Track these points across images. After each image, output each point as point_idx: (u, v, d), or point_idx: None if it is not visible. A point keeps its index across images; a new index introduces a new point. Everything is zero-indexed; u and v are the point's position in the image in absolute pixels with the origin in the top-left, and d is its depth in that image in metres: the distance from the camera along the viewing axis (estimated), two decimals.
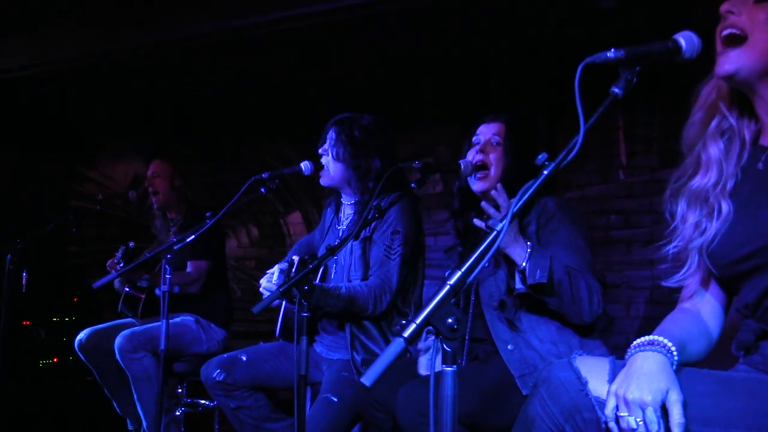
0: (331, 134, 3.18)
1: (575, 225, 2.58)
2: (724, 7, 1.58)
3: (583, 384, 1.50)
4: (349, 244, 3.10)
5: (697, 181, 1.67)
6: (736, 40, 1.57)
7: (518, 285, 2.46)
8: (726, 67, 1.58)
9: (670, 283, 1.75)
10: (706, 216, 1.64)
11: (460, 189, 2.89)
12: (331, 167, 3.17)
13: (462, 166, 2.75)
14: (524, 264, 2.39)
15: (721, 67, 1.59)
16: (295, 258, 3.22)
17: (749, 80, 1.59)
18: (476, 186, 2.76)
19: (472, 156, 2.77)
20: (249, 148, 6.39)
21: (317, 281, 3.17)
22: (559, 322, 2.55)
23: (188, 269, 4.02)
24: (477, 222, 2.47)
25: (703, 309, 1.74)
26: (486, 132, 2.81)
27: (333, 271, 3.22)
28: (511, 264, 2.49)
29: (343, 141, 3.13)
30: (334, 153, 3.15)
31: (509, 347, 2.51)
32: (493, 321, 2.59)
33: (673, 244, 1.71)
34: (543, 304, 2.51)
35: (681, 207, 1.70)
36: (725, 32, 1.58)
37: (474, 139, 2.83)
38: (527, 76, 4.91)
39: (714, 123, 1.68)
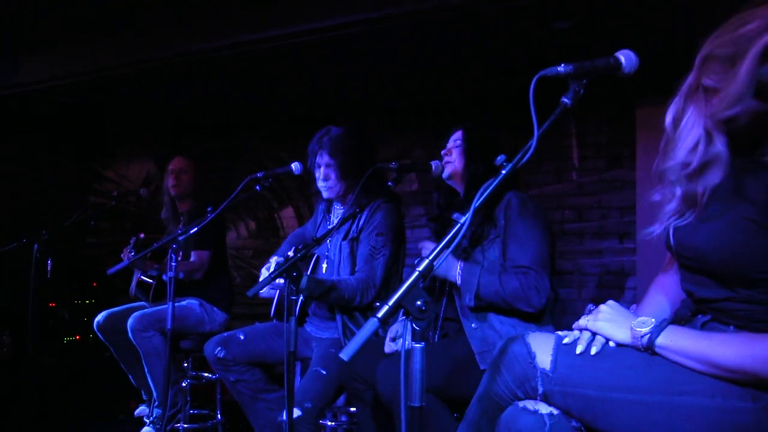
0: (330, 150, 3.10)
1: (533, 220, 2.54)
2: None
3: (531, 357, 1.54)
4: (338, 244, 3.10)
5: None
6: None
7: (465, 301, 2.51)
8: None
9: (641, 236, 1.80)
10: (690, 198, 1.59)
11: (438, 202, 2.91)
12: (337, 183, 3.12)
13: (433, 167, 2.75)
14: (460, 283, 2.53)
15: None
16: (290, 254, 3.21)
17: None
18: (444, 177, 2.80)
19: (443, 159, 2.79)
20: (248, 151, 6.37)
21: (309, 273, 3.17)
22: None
23: (192, 258, 4.00)
24: (455, 216, 2.49)
25: (672, 280, 1.78)
26: (452, 138, 2.82)
27: (323, 266, 3.21)
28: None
29: (346, 157, 3.07)
30: (337, 172, 3.09)
31: (473, 325, 2.53)
32: (461, 302, 2.61)
33: (656, 196, 1.66)
34: None
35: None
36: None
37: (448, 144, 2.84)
38: (491, 87, 4.91)
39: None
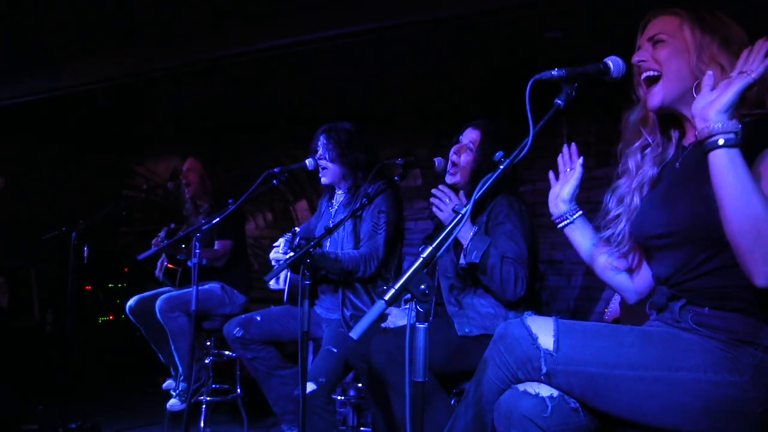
0: (321, 141, 3.18)
1: (519, 223, 2.56)
2: (635, 60, 1.65)
3: (534, 339, 1.50)
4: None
5: (620, 183, 1.78)
6: (654, 80, 1.63)
7: (461, 261, 2.49)
8: (654, 102, 1.63)
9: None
10: (625, 209, 1.73)
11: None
12: (329, 168, 3.16)
13: (436, 163, 2.74)
14: (467, 244, 2.48)
15: (650, 103, 1.65)
16: (297, 228, 3.21)
17: (672, 105, 1.63)
18: (448, 180, 2.75)
19: (450, 154, 2.76)
20: (266, 148, 6.36)
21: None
22: (493, 298, 2.57)
23: (216, 247, 4.00)
24: (457, 207, 2.47)
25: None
26: (466, 136, 2.78)
27: (327, 243, 3.21)
28: (459, 244, 2.53)
29: (332, 144, 3.12)
30: (328, 156, 3.14)
31: (455, 309, 2.57)
32: (445, 288, 2.62)
33: (609, 232, 1.79)
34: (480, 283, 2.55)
35: (611, 203, 1.79)
36: (643, 76, 1.65)
37: (460, 137, 2.80)
38: (490, 92, 4.89)
39: (637, 144, 1.76)
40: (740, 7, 1.67)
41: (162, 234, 3.83)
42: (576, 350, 1.47)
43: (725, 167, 1.33)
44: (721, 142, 1.34)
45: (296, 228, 3.20)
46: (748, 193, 1.30)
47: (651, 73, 1.62)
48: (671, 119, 1.70)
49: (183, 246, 3.78)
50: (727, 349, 1.43)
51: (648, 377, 1.42)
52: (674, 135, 1.72)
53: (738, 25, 1.59)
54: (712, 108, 1.36)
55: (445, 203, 2.49)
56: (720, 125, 1.34)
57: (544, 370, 1.47)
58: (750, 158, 1.39)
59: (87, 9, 3.91)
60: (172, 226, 3.77)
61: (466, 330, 2.47)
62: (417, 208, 5.47)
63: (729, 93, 1.35)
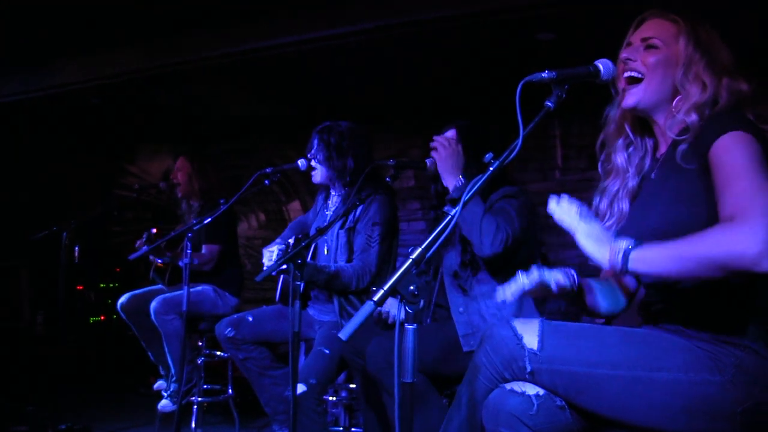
0: (315, 141, 3.17)
1: (514, 201, 2.54)
2: (623, 55, 1.66)
3: (519, 339, 1.52)
4: (336, 232, 3.10)
5: (609, 184, 1.77)
6: (636, 80, 1.64)
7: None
8: (629, 101, 1.65)
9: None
10: (616, 216, 1.74)
11: (435, 191, 2.84)
12: (318, 168, 3.16)
13: (428, 164, 2.73)
14: (454, 187, 2.47)
15: (626, 101, 1.66)
16: (291, 241, 3.21)
17: (647, 110, 1.66)
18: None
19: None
20: (259, 149, 6.36)
21: (309, 259, 3.16)
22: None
23: (203, 251, 3.97)
24: (447, 209, 2.47)
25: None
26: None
27: (322, 254, 3.20)
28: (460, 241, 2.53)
29: (323, 146, 3.12)
30: (318, 157, 3.14)
31: (460, 309, 2.52)
32: (450, 288, 2.61)
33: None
34: (493, 274, 2.54)
35: (602, 205, 1.78)
36: (626, 74, 1.66)
37: None
38: (483, 93, 4.90)
39: (620, 140, 1.76)
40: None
41: (144, 238, 3.80)
42: (559, 349, 1.49)
43: (651, 260, 1.40)
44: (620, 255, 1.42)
45: (290, 240, 3.20)
46: (679, 259, 1.36)
47: (635, 74, 1.64)
48: (645, 124, 1.72)
49: (169, 253, 3.77)
50: (709, 349, 1.45)
51: (629, 376, 1.44)
52: (649, 144, 1.74)
53: (727, 48, 1.62)
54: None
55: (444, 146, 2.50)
56: (618, 248, 1.43)
57: (529, 368, 1.48)
58: (704, 150, 1.45)
59: (80, 7, 3.90)
60: (153, 231, 3.74)
61: (472, 343, 2.45)
62: (410, 209, 5.49)
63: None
